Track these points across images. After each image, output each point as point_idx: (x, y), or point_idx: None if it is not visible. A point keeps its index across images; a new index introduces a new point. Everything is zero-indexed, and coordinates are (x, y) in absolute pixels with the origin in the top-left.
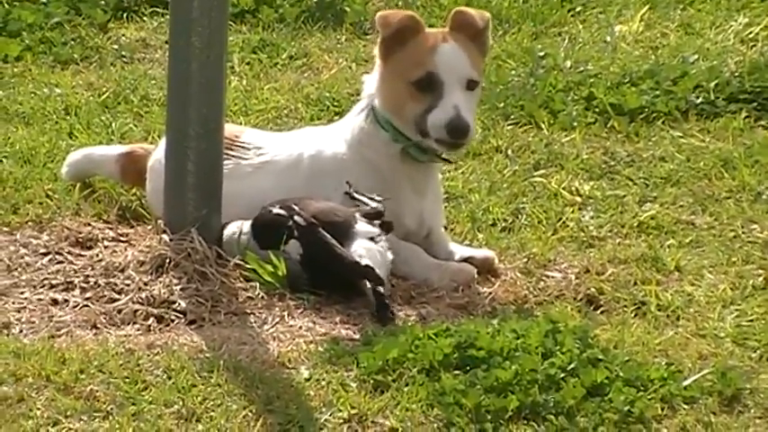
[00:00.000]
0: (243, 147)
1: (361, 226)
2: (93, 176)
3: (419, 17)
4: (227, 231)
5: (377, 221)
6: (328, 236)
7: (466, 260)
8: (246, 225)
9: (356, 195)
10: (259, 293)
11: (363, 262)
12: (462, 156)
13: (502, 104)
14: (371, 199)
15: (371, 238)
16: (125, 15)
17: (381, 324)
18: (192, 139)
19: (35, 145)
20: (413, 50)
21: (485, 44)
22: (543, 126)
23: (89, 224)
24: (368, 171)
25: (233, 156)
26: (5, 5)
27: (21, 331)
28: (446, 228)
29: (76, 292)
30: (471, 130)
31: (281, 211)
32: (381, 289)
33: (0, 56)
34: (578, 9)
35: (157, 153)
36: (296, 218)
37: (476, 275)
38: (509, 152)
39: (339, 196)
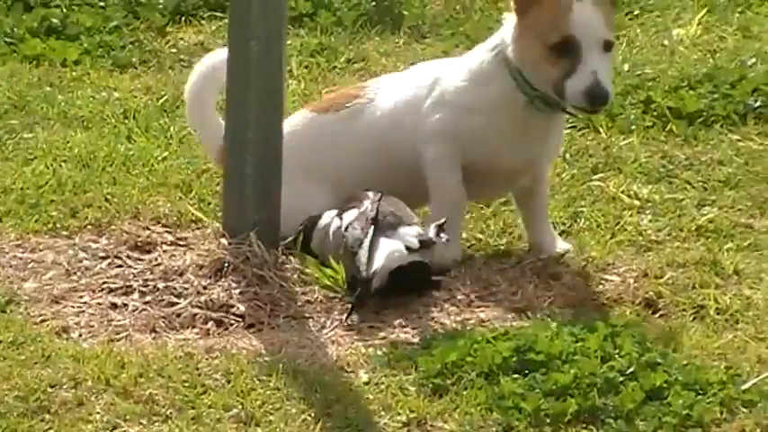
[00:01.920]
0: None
1: (405, 230)
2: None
3: None
4: (323, 222)
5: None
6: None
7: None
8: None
9: (442, 229)
10: (318, 297)
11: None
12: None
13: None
14: (440, 237)
15: (408, 248)
16: (183, 19)
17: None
18: (251, 143)
19: (94, 149)
20: (548, 9)
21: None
22: (601, 130)
23: (148, 228)
24: (485, 107)
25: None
26: (64, 9)
27: (80, 335)
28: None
29: (135, 295)
30: (610, 98)
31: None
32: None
33: (59, 60)
34: (636, 12)
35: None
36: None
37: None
38: (567, 156)
39: (457, 126)
